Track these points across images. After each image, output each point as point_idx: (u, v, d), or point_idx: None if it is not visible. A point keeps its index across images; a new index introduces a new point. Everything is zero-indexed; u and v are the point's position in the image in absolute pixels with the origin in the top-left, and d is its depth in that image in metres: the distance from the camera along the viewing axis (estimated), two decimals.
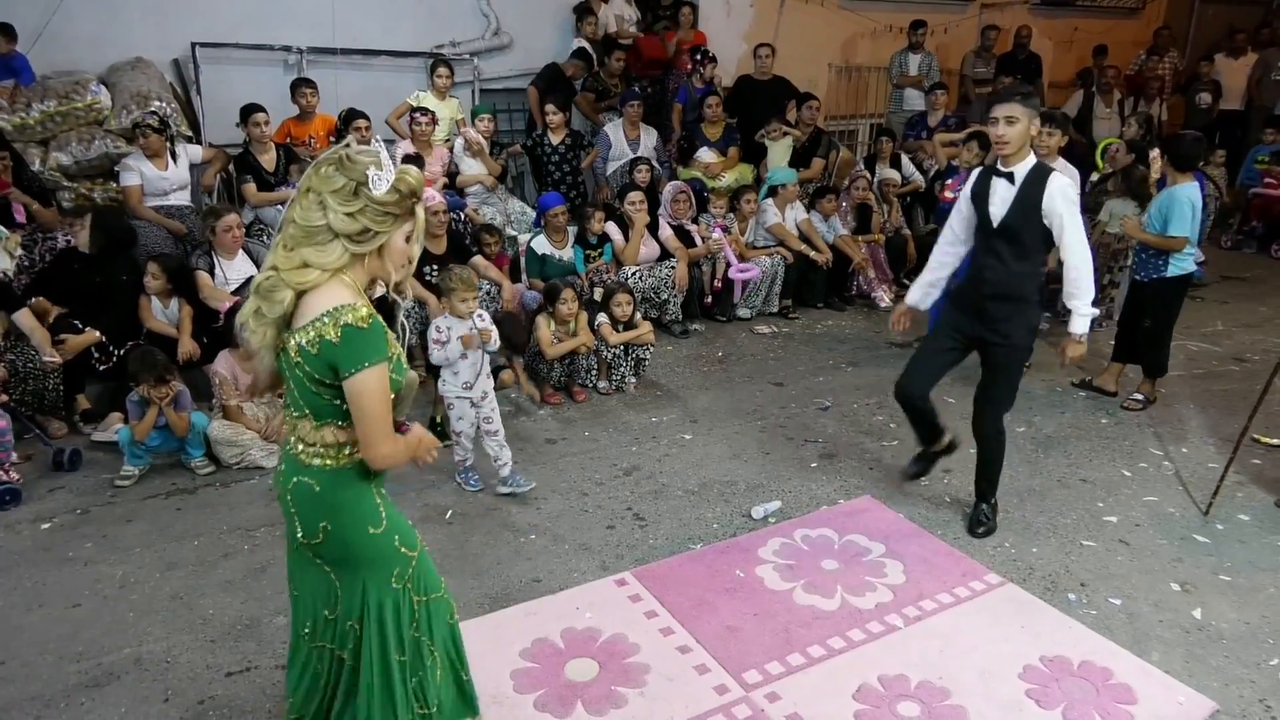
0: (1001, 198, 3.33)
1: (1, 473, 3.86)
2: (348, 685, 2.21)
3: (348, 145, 1.98)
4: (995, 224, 3.37)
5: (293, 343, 1.93)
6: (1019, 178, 3.27)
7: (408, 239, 2.02)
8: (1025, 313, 3.42)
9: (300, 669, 2.25)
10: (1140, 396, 5.08)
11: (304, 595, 2.19)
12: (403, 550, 2.14)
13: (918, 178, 7.72)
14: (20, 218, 4.91)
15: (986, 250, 3.44)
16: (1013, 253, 3.35)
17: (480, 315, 3.98)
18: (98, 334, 4.51)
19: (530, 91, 7.38)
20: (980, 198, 3.41)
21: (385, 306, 2.22)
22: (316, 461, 2.01)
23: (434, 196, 5.31)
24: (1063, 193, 3.23)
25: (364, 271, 2.00)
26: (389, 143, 6.52)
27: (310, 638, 2.21)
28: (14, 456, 3.97)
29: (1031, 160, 3.29)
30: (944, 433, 3.82)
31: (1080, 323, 3.36)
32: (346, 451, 2.02)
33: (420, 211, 2.03)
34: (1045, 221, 3.27)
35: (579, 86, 7.53)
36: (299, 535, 2.07)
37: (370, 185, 1.90)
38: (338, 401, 1.96)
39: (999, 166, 3.36)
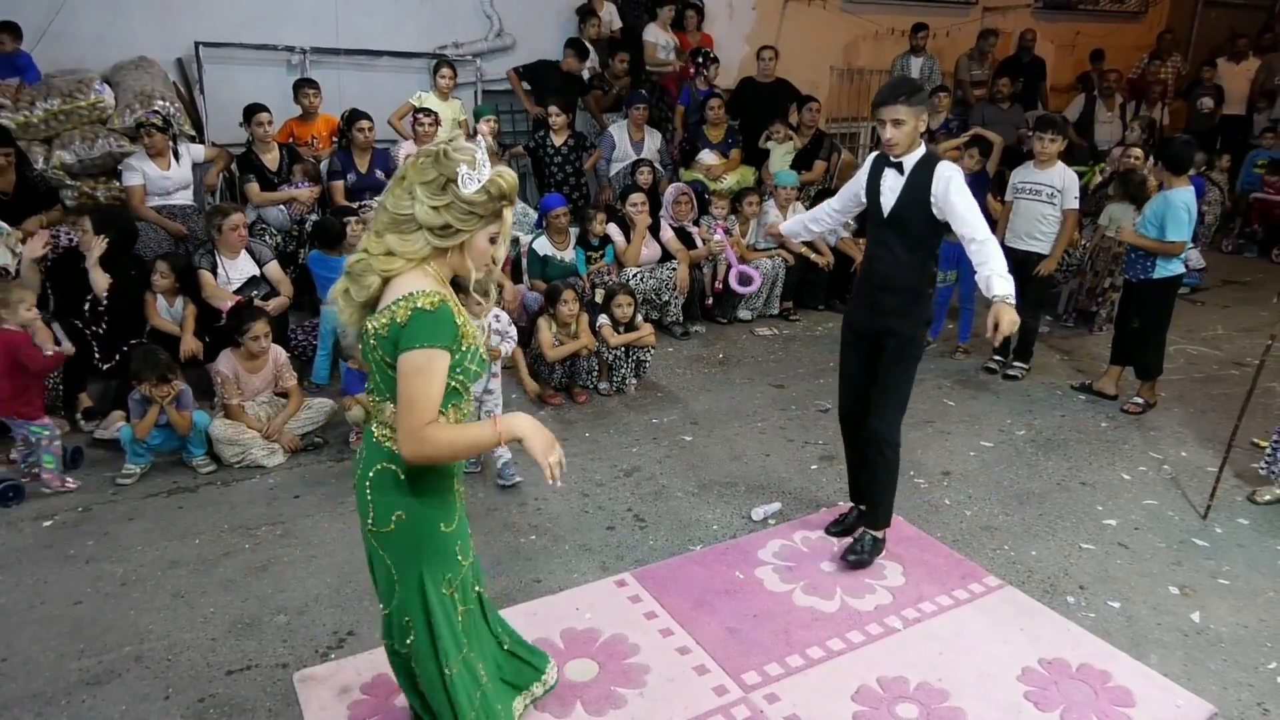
0: (890, 187, 3.26)
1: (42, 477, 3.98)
2: (407, 679, 2.24)
3: (451, 140, 1.99)
4: (885, 214, 3.30)
5: (370, 327, 1.97)
6: (908, 167, 3.22)
7: (492, 240, 2.03)
8: (915, 305, 3.30)
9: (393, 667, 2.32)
10: (1140, 400, 5.09)
11: (377, 589, 2.20)
12: (458, 558, 2.16)
13: None
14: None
15: (877, 241, 3.38)
16: (902, 243, 3.26)
17: (497, 315, 4.04)
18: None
19: (510, 75, 7.45)
20: (872, 188, 3.34)
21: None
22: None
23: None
24: (949, 179, 3.14)
25: (446, 266, 2.02)
26: (391, 143, 6.55)
27: (384, 635, 2.24)
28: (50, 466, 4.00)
29: (920, 151, 3.23)
30: None
31: (1000, 284, 3.04)
32: None
33: (508, 215, 2.03)
34: (935, 211, 3.18)
35: (586, 81, 7.54)
36: (369, 523, 2.07)
37: (459, 183, 1.92)
38: None
39: (889, 157, 3.28)
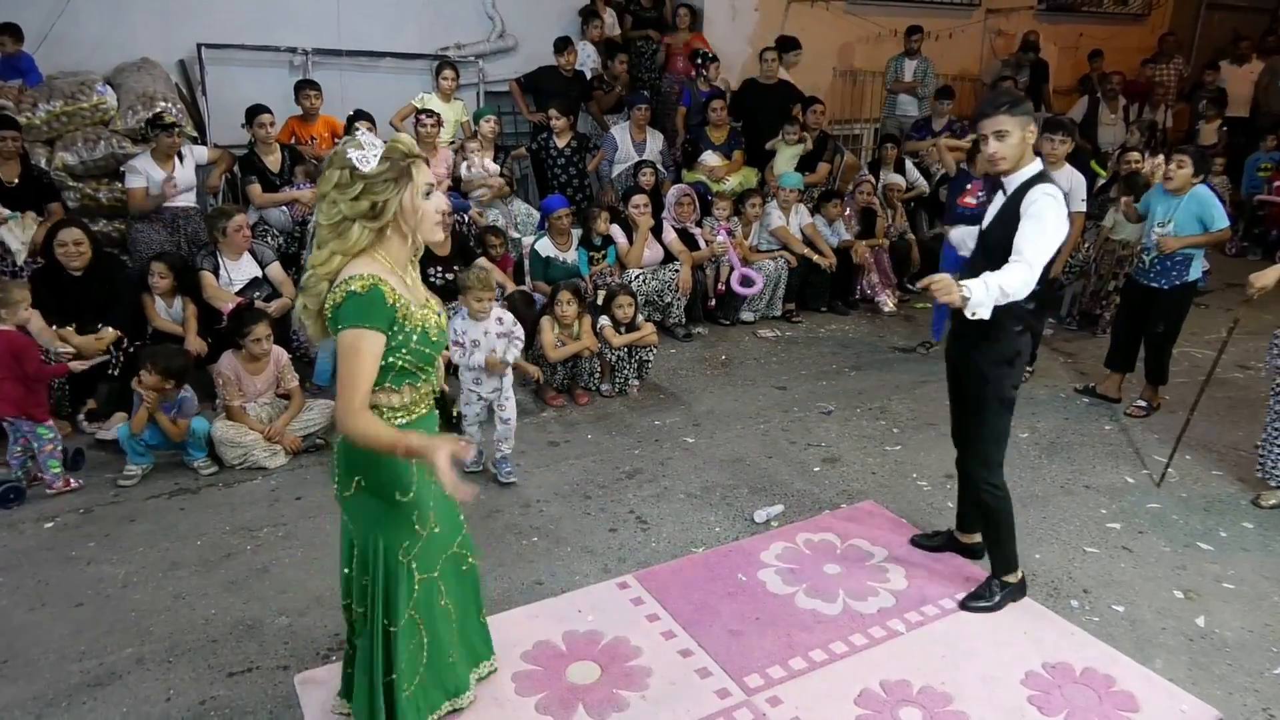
0: (994, 207, 3.06)
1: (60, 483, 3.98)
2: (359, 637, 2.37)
3: (337, 142, 2.17)
4: (982, 234, 3.13)
5: (325, 315, 2.12)
6: (1010, 188, 2.95)
7: (427, 195, 2.16)
8: (993, 337, 2.95)
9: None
10: (1144, 403, 5.07)
11: (342, 550, 2.37)
12: (415, 527, 2.27)
13: (922, 183, 7.73)
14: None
15: (971, 265, 3.13)
16: (988, 267, 2.88)
17: (500, 318, 4.04)
18: (116, 331, 4.45)
19: (512, 85, 7.53)
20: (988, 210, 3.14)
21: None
22: None
23: (439, 198, 5.32)
24: (1036, 200, 2.82)
25: (400, 245, 2.16)
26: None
27: (342, 594, 2.39)
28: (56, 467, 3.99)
29: (1032, 169, 2.92)
30: (975, 526, 3.47)
31: (976, 286, 2.68)
32: (385, 416, 2.16)
33: (418, 173, 2.14)
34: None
35: (588, 82, 7.54)
36: (335, 487, 2.24)
37: (357, 164, 2.05)
38: None
39: (995, 169, 3.01)
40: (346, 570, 2.33)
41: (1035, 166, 2.94)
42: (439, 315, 2.26)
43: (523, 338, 4.11)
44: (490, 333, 3.98)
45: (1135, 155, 6.35)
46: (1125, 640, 3.13)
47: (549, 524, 3.80)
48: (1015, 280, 2.74)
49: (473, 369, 3.97)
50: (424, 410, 2.26)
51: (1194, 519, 3.97)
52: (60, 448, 3.99)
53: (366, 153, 2.06)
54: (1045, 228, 2.80)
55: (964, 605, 3.25)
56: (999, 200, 3.04)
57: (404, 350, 2.12)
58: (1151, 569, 3.58)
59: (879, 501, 4.03)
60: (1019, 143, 2.88)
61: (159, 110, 5.61)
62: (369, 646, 2.30)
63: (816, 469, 4.37)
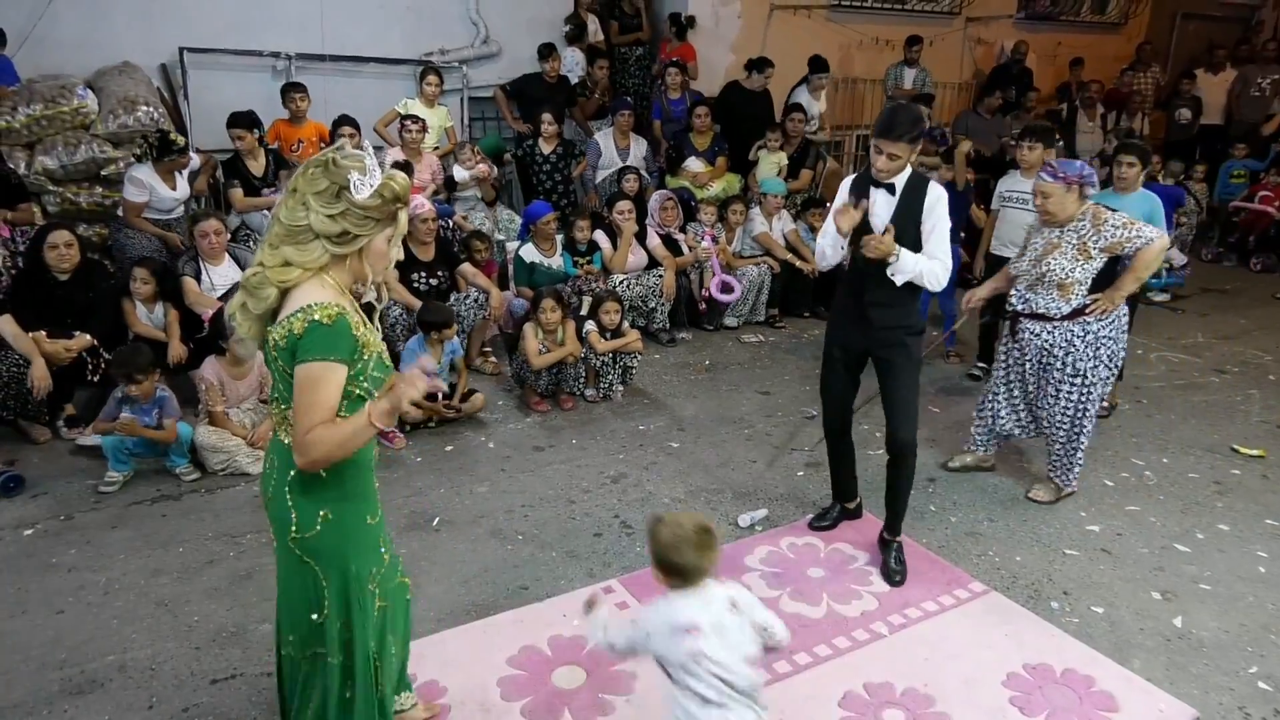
0: (882, 205, 3.32)
1: None
2: (324, 684, 2.22)
3: (339, 148, 2.00)
4: (878, 232, 3.34)
5: (271, 338, 1.96)
6: (899, 187, 3.29)
7: (389, 241, 2.04)
8: (911, 318, 3.42)
9: (289, 681, 2.30)
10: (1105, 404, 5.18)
11: (291, 602, 2.19)
12: (381, 550, 2.21)
13: None
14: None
15: (869, 260, 3.34)
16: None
17: (732, 601, 2.61)
18: (89, 338, 4.44)
19: (497, 94, 7.55)
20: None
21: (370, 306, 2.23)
22: None
23: (423, 204, 5.32)
24: (939, 198, 3.30)
25: (346, 272, 2.02)
26: (378, 149, 6.55)
27: (298, 646, 2.22)
28: None
29: (909, 170, 3.32)
30: (857, 493, 3.88)
31: (908, 261, 3.24)
32: None
33: (403, 217, 2.04)
34: (924, 228, 3.31)
35: (572, 88, 7.57)
36: (293, 531, 2.05)
37: (352, 190, 1.92)
38: None
39: (876, 178, 3.31)
40: (315, 617, 2.14)
41: (909, 169, 3.33)
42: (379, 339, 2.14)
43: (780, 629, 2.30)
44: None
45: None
46: (1104, 641, 3.17)
47: (534, 529, 3.81)
48: (935, 274, 3.29)
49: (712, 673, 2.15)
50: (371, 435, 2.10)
51: (1171, 521, 4.03)
52: None
53: (367, 180, 1.93)
54: (946, 233, 3.32)
55: (892, 583, 3.48)
56: (886, 199, 3.31)
57: (362, 378, 2.00)
58: (1130, 571, 3.63)
59: (862, 505, 4.05)
60: (903, 165, 3.27)
61: (169, 132, 5.44)
62: (335, 683, 2.18)
63: (800, 473, 4.39)
